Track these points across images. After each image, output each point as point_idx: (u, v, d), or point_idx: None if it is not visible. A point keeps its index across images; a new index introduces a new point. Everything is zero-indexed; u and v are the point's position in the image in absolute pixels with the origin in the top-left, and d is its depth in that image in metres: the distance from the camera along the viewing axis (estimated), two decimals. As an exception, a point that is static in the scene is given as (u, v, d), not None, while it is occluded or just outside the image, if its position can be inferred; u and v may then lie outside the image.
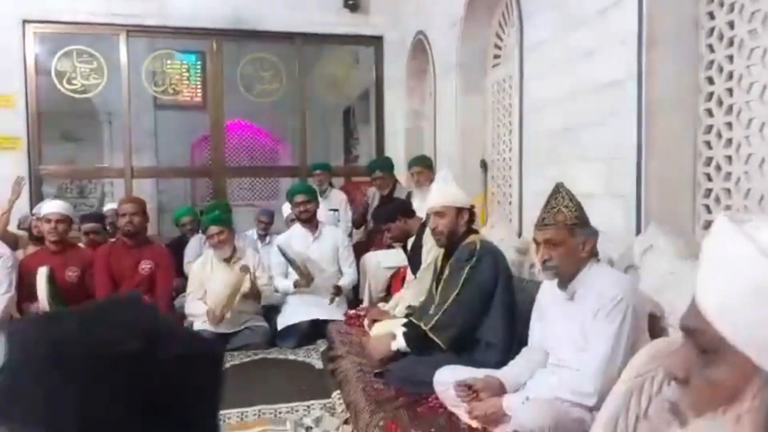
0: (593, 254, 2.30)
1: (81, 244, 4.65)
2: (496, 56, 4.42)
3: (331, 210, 5.66)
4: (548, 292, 2.45)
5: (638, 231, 2.60)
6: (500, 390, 2.38)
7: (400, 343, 2.96)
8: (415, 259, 3.92)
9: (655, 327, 2.32)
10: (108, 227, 5.13)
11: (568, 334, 2.28)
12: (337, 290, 4.54)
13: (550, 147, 3.29)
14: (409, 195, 4.90)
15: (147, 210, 4.32)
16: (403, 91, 6.17)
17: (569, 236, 2.24)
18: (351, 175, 7.32)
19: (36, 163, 5.81)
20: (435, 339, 2.83)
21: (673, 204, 2.59)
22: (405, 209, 4.04)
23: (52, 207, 4.19)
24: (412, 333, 2.90)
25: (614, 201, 2.75)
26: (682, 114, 2.58)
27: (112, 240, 4.60)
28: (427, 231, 3.76)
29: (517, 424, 2.11)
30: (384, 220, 4.11)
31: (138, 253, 4.10)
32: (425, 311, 3.12)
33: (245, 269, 4.36)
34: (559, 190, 2.32)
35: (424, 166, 4.81)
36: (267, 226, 5.62)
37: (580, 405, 2.14)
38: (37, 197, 5.61)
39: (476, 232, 3.03)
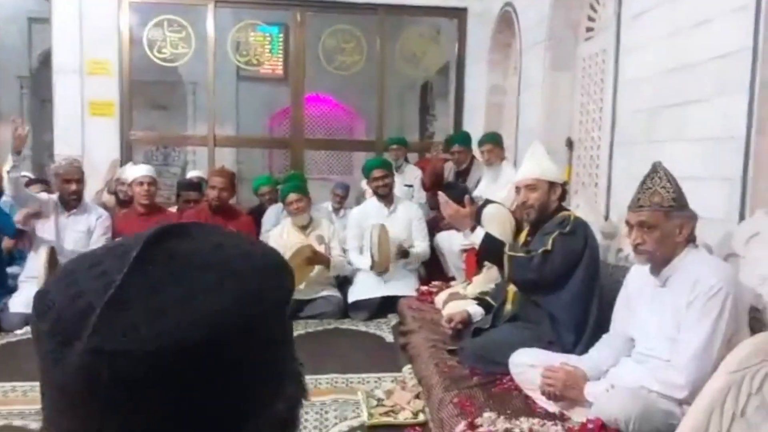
0: (690, 240, 2.15)
1: (172, 209, 4.84)
2: (589, 29, 4.19)
3: (406, 185, 5.62)
4: (638, 277, 2.32)
5: (741, 217, 2.41)
6: (582, 378, 2.29)
7: (473, 309, 3.12)
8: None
9: (756, 321, 2.15)
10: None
11: (658, 323, 2.16)
12: (404, 254, 4.46)
13: (646, 125, 3.09)
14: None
15: (234, 182, 4.49)
16: (484, 65, 6.00)
17: (665, 219, 2.11)
18: (426, 150, 7.23)
19: (127, 129, 6.05)
20: (506, 268, 2.74)
21: (785, 189, 2.38)
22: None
23: (141, 170, 4.38)
24: (492, 244, 2.82)
25: (715, 184, 2.55)
26: (801, 91, 2.35)
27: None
28: (484, 214, 3.58)
29: (599, 412, 2.02)
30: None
31: (223, 221, 4.22)
32: (499, 293, 3.06)
33: (320, 239, 4.41)
34: (656, 170, 2.18)
35: (494, 144, 4.66)
36: (342, 200, 5.64)
37: (668, 397, 2.03)
38: (127, 162, 5.84)
39: (566, 209, 2.89)
